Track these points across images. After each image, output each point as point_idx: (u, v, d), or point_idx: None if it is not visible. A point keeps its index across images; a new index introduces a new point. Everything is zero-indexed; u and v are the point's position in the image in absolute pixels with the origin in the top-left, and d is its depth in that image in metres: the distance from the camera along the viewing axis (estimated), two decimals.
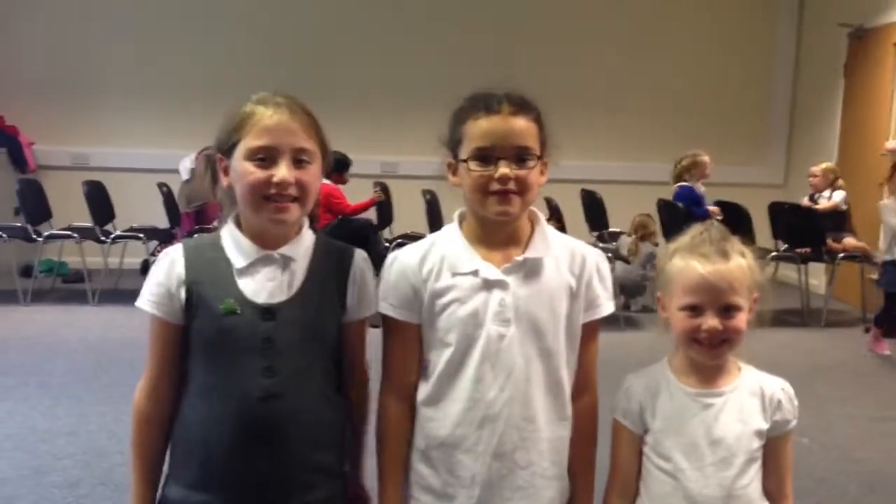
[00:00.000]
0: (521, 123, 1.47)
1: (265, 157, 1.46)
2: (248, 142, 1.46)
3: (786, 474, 1.54)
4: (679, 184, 6.58)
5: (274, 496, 1.48)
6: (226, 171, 1.51)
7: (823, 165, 6.79)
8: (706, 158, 6.56)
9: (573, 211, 6.96)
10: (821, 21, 7.87)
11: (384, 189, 6.83)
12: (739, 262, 1.49)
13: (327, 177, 6.38)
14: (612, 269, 6.55)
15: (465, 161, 1.48)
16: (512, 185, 1.45)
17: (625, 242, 6.82)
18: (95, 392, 4.23)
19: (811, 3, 8.18)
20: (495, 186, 1.45)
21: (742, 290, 1.48)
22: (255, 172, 1.45)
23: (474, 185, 1.47)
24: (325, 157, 1.54)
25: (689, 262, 1.49)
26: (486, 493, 1.50)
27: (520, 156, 1.47)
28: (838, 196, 6.62)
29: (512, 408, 1.48)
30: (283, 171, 1.45)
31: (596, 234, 7.34)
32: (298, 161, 1.47)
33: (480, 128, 1.46)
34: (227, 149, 1.49)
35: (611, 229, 7.21)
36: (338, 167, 6.50)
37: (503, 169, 1.45)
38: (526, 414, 1.50)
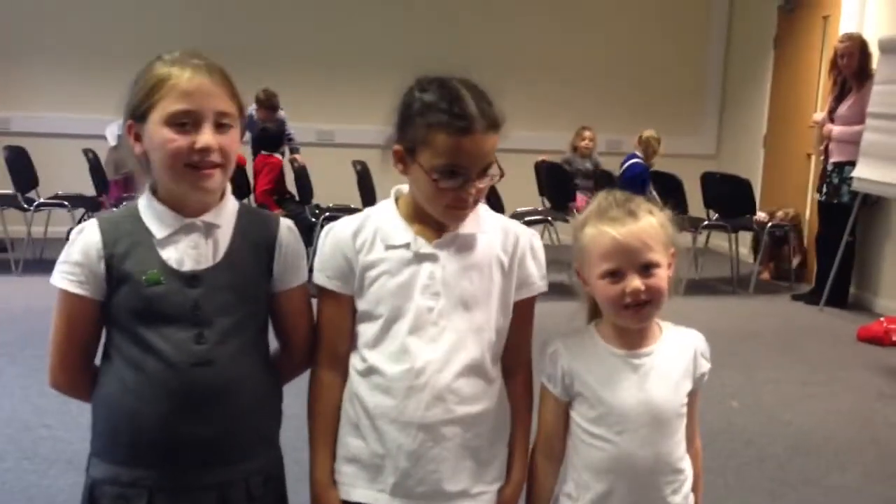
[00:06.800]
0: (491, 142, 1.46)
1: (186, 121, 1.39)
2: (167, 106, 1.38)
3: (696, 418, 1.59)
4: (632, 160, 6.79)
5: (212, 465, 1.44)
6: (137, 138, 1.44)
7: None
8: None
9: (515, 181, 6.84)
10: None
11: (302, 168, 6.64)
12: (650, 220, 1.49)
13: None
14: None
15: (427, 171, 1.45)
16: (472, 197, 1.47)
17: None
18: (19, 364, 4.12)
19: None
20: (458, 200, 1.46)
21: (657, 247, 1.48)
22: (177, 139, 1.38)
23: (435, 194, 1.46)
24: (243, 120, 1.49)
25: (600, 229, 1.49)
26: (411, 464, 1.50)
27: (485, 171, 1.47)
28: None
29: (438, 379, 1.48)
30: (206, 137, 1.39)
31: (550, 205, 7.00)
32: (220, 125, 1.41)
33: (452, 145, 1.42)
34: (139, 114, 1.42)
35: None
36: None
37: (474, 186, 1.46)
38: (452, 386, 1.49)
